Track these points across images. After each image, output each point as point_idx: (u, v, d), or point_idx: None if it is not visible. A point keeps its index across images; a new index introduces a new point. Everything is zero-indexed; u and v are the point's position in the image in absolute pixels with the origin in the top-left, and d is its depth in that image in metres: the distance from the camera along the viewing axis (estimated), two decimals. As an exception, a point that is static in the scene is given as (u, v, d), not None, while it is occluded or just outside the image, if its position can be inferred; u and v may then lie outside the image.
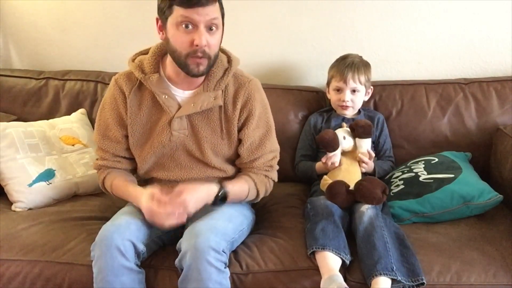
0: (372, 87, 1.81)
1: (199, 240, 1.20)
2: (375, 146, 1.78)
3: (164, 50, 1.37)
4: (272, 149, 1.46)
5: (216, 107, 1.37)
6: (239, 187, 1.39)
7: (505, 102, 1.80)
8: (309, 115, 1.86)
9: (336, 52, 1.82)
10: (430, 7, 1.93)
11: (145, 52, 1.42)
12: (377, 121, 1.79)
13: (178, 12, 1.23)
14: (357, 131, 1.56)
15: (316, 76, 2.01)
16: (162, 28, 1.30)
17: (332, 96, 1.78)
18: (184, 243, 1.23)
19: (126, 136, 1.43)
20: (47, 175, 1.67)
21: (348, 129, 1.63)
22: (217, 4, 1.27)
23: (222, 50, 1.41)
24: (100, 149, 1.46)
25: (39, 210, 1.61)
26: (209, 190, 1.32)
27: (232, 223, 1.34)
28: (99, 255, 1.23)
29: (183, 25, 1.24)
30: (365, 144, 1.58)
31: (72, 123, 1.84)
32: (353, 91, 1.73)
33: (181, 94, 1.38)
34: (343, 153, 1.58)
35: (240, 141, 1.42)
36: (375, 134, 1.78)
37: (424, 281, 1.22)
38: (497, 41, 1.93)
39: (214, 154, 1.41)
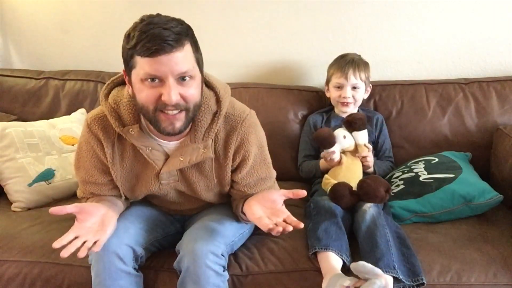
0: (371, 85, 1.81)
1: (198, 244, 1.19)
2: (375, 146, 1.78)
3: (134, 102, 1.17)
4: (269, 185, 1.33)
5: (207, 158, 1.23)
6: None
7: (505, 102, 1.80)
8: (309, 115, 1.86)
9: (336, 52, 1.82)
10: (430, 7, 1.93)
11: (120, 82, 1.23)
12: (376, 121, 1.79)
13: (140, 64, 1.04)
14: (354, 124, 1.56)
15: (316, 76, 2.01)
16: (129, 82, 1.12)
17: (332, 93, 1.78)
18: (183, 246, 1.23)
19: (112, 180, 1.29)
20: (47, 175, 1.67)
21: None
22: (188, 47, 1.06)
23: (207, 83, 1.21)
24: (84, 190, 1.33)
25: (38, 210, 1.61)
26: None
27: (233, 225, 1.33)
28: (96, 259, 1.21)
29: (148, 80, 1.05)
30: (362, 137, 1.59)
31: (72, 123, 1.84)
32: (354, 88, 1.73)
33: (166, 145, 1.22)
34: (344, 152, 1.58)
35: (234, 181, 1.30)
36: (374, 134, 1.78)
37: (425, 281, 1.22)
38: (497, 41, 1.93)
39: (208, 192, 1.32)
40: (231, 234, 1.31)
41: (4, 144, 1.66)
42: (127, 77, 1.13)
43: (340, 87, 1.75)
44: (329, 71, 1.80)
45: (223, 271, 1.23)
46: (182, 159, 1.20)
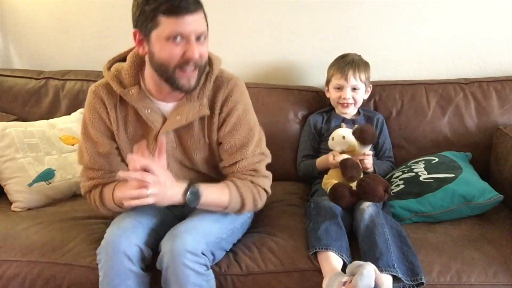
0: (371, 85, 1.81)
1: (175, 242, 1.19)
2: (375, 146, 1.78)
3: (142, 60, 1.27)
4: (256, 152, 1.33)
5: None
6: (216, 189, 1.28)
7: (505, 102, 1.80)
8: (309, 115, 1.86)
9: (336, 52, 1.82)
10: (430, 7, 1.93)
11: (121, 58, 1.32)
12: (377, 121, 1.79)
13: (164, 23, 1.13)
14: (366, 139, 1.52)
15: (316, 76, 2.01)
16: (143, 41, 1.19)
17: (332, 94, 1.78)
18: (163, 245, 1.23)
19: (117, 148, 1.34)
20: (47, 175, 1.67)
21: (348, 128, 1.63)
22: (202, 11, 1.20)
23: None
24: (89, 169, 1.34)
25: (38, 210, 1.61)
26: (180, 188, 1.22)
27: (219, 223, 1.31)
28: (106, 259, 1.21)
29: (172, 38, 1.15)
30: (367, 148, 1.58)
31: (72, 123, 1.84)
32: (354, 89, 1.73)
33: (164, 107, 1.29)
34: (343, 152, 1.58)
35: (220, 143, 1.34)
36: (375, 134, 1.78)
37: (424, 281, 1.22)
38: (497, 41, 1.93)
39: (204, 162, 1.36)
40: (216, 231, 1.29)
41: (4, 144, 1.66)
42: (138, 37, 1.19)
43: (340, 88, 1.74)
44: (329, 72, 1.80)
45: (206, 270, 1.22)
46: (179, 118, 1.27)
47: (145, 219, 1.32)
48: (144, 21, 1.15)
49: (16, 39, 2.19)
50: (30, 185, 1.63)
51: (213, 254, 1.27)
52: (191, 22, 1.14)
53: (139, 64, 1.28)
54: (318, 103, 1.91)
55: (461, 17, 1.92)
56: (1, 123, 1.71)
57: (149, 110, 1.27)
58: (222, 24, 2.02)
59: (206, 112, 1.29)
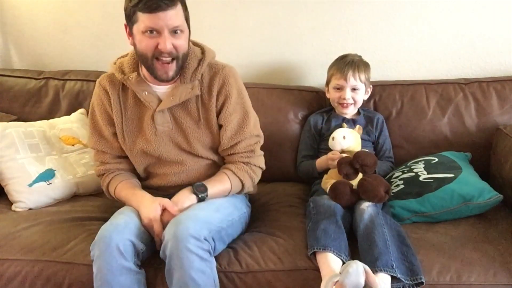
0: (371, 86, 1.81)
1: (178, 228, 1.22)
2: (375, 146, 1.78)
3: (135, 51, 1.40)
4: (253, 134, 1.46)
5: (193, 98, 1.41)
6: (218, 185, 1.42)
7: (505, 102, 1.80)
8: (309, 115, 1.86)
9: (336, 52, 1.82)
10: (430, 7, 1.93)
11: (126, 55, 1.48)
12: (377, 121, 1.79)
13: (141, 19, 1.27)
14: (364, 169, 1.46)
15: (316, 76, 2.01)
16: (130, 34, 1.35)
17: (332, 94, 1.78)
18: (166, 233, 1.25)
19: (115, 133, 1.46)
20: (47, 175, 1.67)
21: (349, 128, 1.63)
22: (179, 7, 1.30)
23: (195, 43, 1.46)
24: (98, 152, 1.50)
25: (39, 210, 1.61)
26: (190, 198, 1.38)
27: (220, 213, 1.36)
28: (98, 254, 1.23)
29: (148, 32, 1.29)
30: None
31: (72, 123, 1.84)
32: (353, 89, 1.73)
33: (160, 90, 1.42)
34: (343, 152, 1.58)
35: (220, 126, 1.44)
36: (375, 134, 1.78)
37: (423, 280, 1.22)
38: (497, 41, 1.93)
39: (201, 144, 1.44)
40: (217, 220, 1.33)
41: (4, 144, 1.65)
42: (127, 30, 1.35)
43: (339, 88, 1.75)
44: (329, 72, 1.80)
45: (209, 256, 1.24)
46: (173, 98, 1.39)
47: (136, 216, 1.35)
48: (128, 16, 1.31)
49: (16, 39, 2.19)
50: (30, 185, 1.63)
51: (214, 242, 1.29)
52: (163, 18, 1.26)
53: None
54: (318, 103, 1.91)
55: (461, 17, 1.92)
56: (2, 123, 1.71)
57: (146, 93, 1.40)
58: (222, 24, 2.02)
59: (197, 92, 1.40)
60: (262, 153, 1.51)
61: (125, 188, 1.45)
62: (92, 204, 1.65)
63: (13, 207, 1.62)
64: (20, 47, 2.20)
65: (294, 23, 1.99)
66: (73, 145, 1.78)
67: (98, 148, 1.49)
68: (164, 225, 1.31)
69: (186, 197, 1.38)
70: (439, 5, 1.92)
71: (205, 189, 1.39)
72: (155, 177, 1.50)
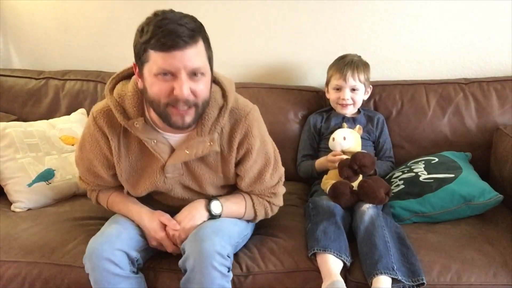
0: (371, 86, 1.81)
1: (204, 245, 1.17)
2: (375, 146, 1.78)
3: (144, 95, 1.19)
4: (275, 177, 1.35)
5: (212, 153, 1.25)
6: (234, 207, 1.34)
7: (505, 102, 1.80)
8: (309, 115, 1.86)
9: (336, 52, 1.82)
10: (430, 7, 1.92)
11: (125, 76, 1.26)
12: (377, 121, 1.79)
13: (153, 59, 1.06)
14: (362, 170, 1.47)
15: (316, 76, 2.01)
16: (140, 75, 1.14)
17: (331, 95, 1.78)
18: (188, 245, 1.21)
19: (114, 174, 1.32)
20: (47, 175, 1.67)
21: (349, 128, 1.63)
22: (201, 44, 1.08)
23: (213, 79, 1.21)
24: (84, 178, 1.38)
25: (38, 210, 1.61)
26: (202, 215, 1.30)
27: (238, 226, 1.33)
28: (92, 268, 1.21)
29: (161, 74, 1.08)
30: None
31: (72, 123, 1.84)
32: (353, 89, 1.73)
33: (172, 138, 1.24)
34: (344, 153, 1.58)
35: (237, 175, 1.32)
36: (375, 134, 1.78)
37: (424, 281, 1.22)
38: (497, 41, 1.93)
39: (213, 187, 1.33)
40: (236, 235, 1.31)
41: (4, 144, 1.65)
42: (137, 70, 1.14)
43: (339, 89, 1.74)
44: (328, 73, 1.80)
45: (228, 271, 1.22)
46: (188, 152, 1.21)
47: (131, 225, 1.32)
48: (138, 54, 1.11)
49: (16, 39, 2.19)
50: (30, 185, 1.63)
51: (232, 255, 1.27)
52: (180, 58, 1.05)
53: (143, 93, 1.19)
54: (318, 103, 1.91)
55: (461, 17, 1.92)
56: (1, 123, 1.71)
57: (155, 141, 1.21)
58: (222, 24, 2.02)
59: (217, 149, 1.23)
60: (284, 190, 1.41)
61: (117, 202, 1.37)
62: (92, 204, 1.62)
63: (12, 207, 1.62)
64: (20, 47, 2.20)
65: (294, 23, 1.99)
66: (72, 145, 1.78)
67: (84, 177, 1.36)
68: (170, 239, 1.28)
69: (197, 212, 1.28)
70: (439, 5, 1.92)
71: (221, 209, 1.29)
72: (154, 203, 1.39)
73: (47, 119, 1.86)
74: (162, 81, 1.08)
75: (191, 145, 1.21)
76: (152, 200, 1.41)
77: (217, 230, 1.23)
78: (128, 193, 1.38)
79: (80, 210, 1.59)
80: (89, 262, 1.21)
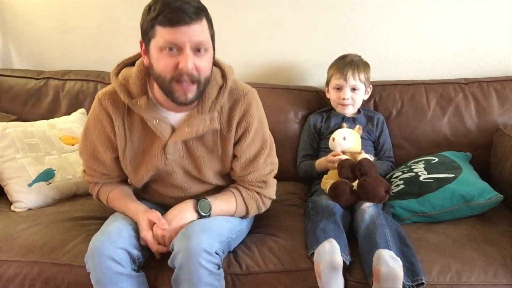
0: (371, 86, 1.81)
1: (191, 242, 1.18)
2: (375, 146, 1.78)
3: (151, 71, 1.24)
4: (267, 163, 1.37)
5: (211, 131, 1.29)
6: (224, 205, 1.34)
7: (505, 102, 1.80)
8: (309, 115, 1.86)
9: (336, 52, 1.82)
10: (430, 7, 1.93)
11: (130, 62, 1.32)
12: (377, 121, 1.79)
13: (160, 34, 1.12)
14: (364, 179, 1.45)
15: (316, 76, 2.01)
16: (146, 52, 1.19)
17: (332, 94, 1.78)
18: (176, 243, 1.22)
19: (116, 158, 1.35)
20: (47, 175, 1.67)
21: (349, 128, 1.63)
22: (204, 22, 1.15)
23: (214, 62, 1.27)
24: (87, 167, 1.40)
25: (38, 210, 1.61)
26: (191, 214, 1.31)
27: (230, 223, 1.33)
28: (94, 266, 1.21)
29: (167, 49, 1.13)
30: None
31: (72, 123, 1.84)
32: (353, 89, 1.73)
33: (173, 117, 1.28)
34: (344, 153, 1.58)
35: (234, 156, 1.35)
36: (375, 134, 1.78)
37: (424, 281, 1.22)
38: (497, 41, 1.93)
39: (212, 172, 1.36)
40: (227, 231, 1.31)
41: (4, 144, 1.65)
42: (143, 48, 1.20)
43: (339, 88, 1.75)
44: (328, 73, 1.80)
45: (218, 269, 1.22)
46: (188, 129, 1.25)
47: (130, 222, 1.32)
48: (145, 31, 1.16)
49: (16, 39, 2.19)
50: (30, 185, 1.63)
51: (223, 253, 1.28)
52: (186, 32, 1.11)
53: (146, 73, 1.25)
54: (318, 103, 1.91)
55: (461, 17, 1.92)
56: (1, 123, 1.71)
57: (157, 121, 1.26)
58: (222, 24, 1.99)
59: (216, 126, 1.27)
60: (275, 182, 1.42)
61: (117, 199, 1.39)
62: (92, 204, 1.64)
63: (12, 207, 1.62)
64: (20, 47, 2.20)
65: (294, 23, 1.99)
66: (73, 145, 1.78)
67: (88, 165, 1.38)
68: (156, 238, 1.28)
69: (187, 212, 1.30)
70: (439, 5, 1.92)
71: (209, 209, 1.30)
72: (153, 194, 1.43)
73: (47, 119, 1.86)
74: (167, 56, 1.14)
75: (192, 123, 1.25)
76: (152, 191, 1.42)
77: (205, 228, 1.24)
78: (128, 188, 1.42)
79: (80, 210, 1.59)
80: (91, 261, 1.22)
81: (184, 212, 1.30)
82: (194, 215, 1.30)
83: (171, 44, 1.12)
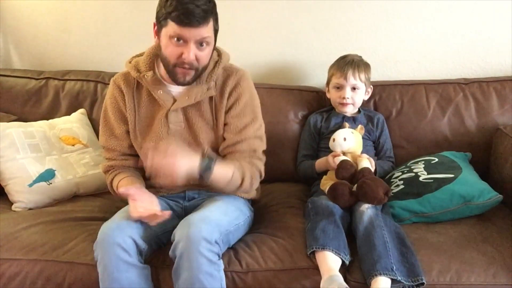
0: (371, 86, 1.81)
1: (191, 230, 1.22)
2: (375, 146, 1.78)
3: (158, 51, 1.40)
4: (257, 135, 1.46)
5: (207, 99, 1.42)
6: (223, 165, 1.35)
7: (505, 102, 1.80)
8: (309, 115, 1.86)
9: (336, 52, 1.82)
10: (430, 7, 1.93)
11: (141, 55, 1.48)
12: (377, 121, 1.79)
13: (171, 26, 1.27)
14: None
15: (316, 76, 2.01)
16: (157, 34, 1.35)
17: (332, 94, 1.78)
18: (177, 233, 1.25)
19: (127, 132, 1.47)
20: (47, 175, 1.67)
21: (350, 129, 1.63)
22: (211, 23, 1.30)
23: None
24: (107, 150, 1.50)
25: (39, 210, 1.61)
26: (196, 159, 1.30)
27: (228, 216, 1.36)
28: (102, 254, 1.24)
29: (175, 39, 1.29)
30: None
31: (72, 123, 1.85)
32: (353, 88, 1.73)
33: (175, 89, 1.42)
34: (344, 154, 1.58)
35: (225, 124, 1.44)
36: (376, 134, 1.78)
37: (424, 281, 1.22)
38: (497, 41, 1.93)
39: (208, 143, 1.44)
40: (226, 223, 1.33)
41: (4, 144, 1.66)
42: (155, 29, 1.35)
43: (339, 87, 1.75)
44: (329, 72, 1.80)
45: (218, 259, 1.24)
46: (188, 98, 1.40)
47: None
48: (160, 18, 1.30)
49: (16, 39, 2.19)
50: (30, 185, 1.64)
51: (223, 244, 1.29)
52: (193, 33, 1.27)
53: (155, 54, 1.43)
54: (318, 103, 1.91)
55: (461, 17, 1.92)
56: (2, 123, 1.71)
57: (161, 91, 1.41)
58: (222, 24, 1.99)
59: (213, 93, 1.41)
60: (264, 158, 1.49)
61: (124, 184, 1.43)
62: (93, 204, 1.65)
63: (13, 207, 1.62)
64: (20, 47, 2.20)
65: (294, 23, 1.99)
66: (73, 145, 1.78)
67: (107, 146, 1.49)
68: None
69: (189, 170, 1.27)
70: (439, 5, 1.92)
71: (210, 171, 1.30)
72: None
73: (47, 119, 1.86)
74: (174, 45, 1.30)
75: (191, 92, 1.40)
76: (156, 185, 1.42)
77: (205, 218, 1.28)
78: (137, 178, 1.46)
79: (80, 210, 1.60)
80: (100, 248, 1.24)
81: (191, 168, 1.28)
82: (197, 160, 1.29)
83: (179, 36, 1.28)
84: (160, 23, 1.31)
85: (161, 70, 1.42)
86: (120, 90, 1.46)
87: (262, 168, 1.47)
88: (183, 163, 1.25)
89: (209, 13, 1.29)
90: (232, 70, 1.46)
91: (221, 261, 1.27)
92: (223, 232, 1.30)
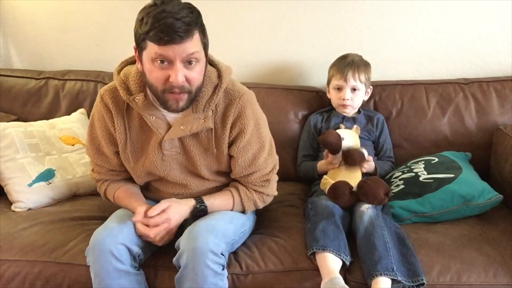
0: (371, 86, 1.81)
1: (198, 242, 1.19)
2: (375, 146, 1.78)
3: (144, 78, 1.26)
4: (269, 162, 1.38)
5: (205, 129, 1.30)
6: (221, 201, 1.36)
7: (505, 102, 1.80)
8: (309, 115, 1.86)
9: (336, 52, 1.82)
10: (430, 7, 1.93)
11: (132, 60, 1.33)
12: (377, 121, 1.79)
13: (151, 47, 1.13)
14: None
15: (316, 76, 2.01)
16: (139, 58, 1.21)
17: (332, 95, 1.78)
18: (182, 242, 1.23)
19: (117, 153, 1.38)
20: (47, 175, 1.67)
21: (348, 129, 1.63)
22: (196, 36, 1.15)
23: (210, 62, 1.31)
24: (94, 164, 1.43)
25: (39, 210, 1.61)
26: (190, 206, 1.32)
27: (234, 224, 1.34)
28: (94, 260, 1.22)
29: (158, 61, 1.14)
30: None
31: (72, 123, 1.85)
32: (353, 89, 1.73)
33: (170, 114, 1.30)
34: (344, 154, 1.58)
35: (231, 156, 1.35)
36: (375, 134, 1.78)
37: (424, 281, 1.22)
38: (497, 41, 1.93)
39: (208, 170, 1.37)
40: (232, 233, 1.31)
41: (4, 144, 1.65)
42: (137, 54, 1.21)
43: (339, 88, 1.75)
44: (329, 73, 1.80)
45: (222, 269, 1.23)
46: (183, 128, 1.27)
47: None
48: (138, 40, 1.17)
49: (16, 39, 2.19)
50: (30, 185, 1.63)
51: (227, 253, 1.28)
52: (177, 50, 1.12)
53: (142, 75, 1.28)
54: (318, 103, 1.91)
55: (461, 17, 1.92)
56: (1, 123, 1.71)
57: (153, 117, 1.28)
58: (222, 24, 2.02)
59: (210, 125, 1.28)
60: (277, 178, 1.44)
61: (122, 197, 1.40)
62: (92, 204, 1.65)
63: (12, 207, 1.62)
64: (20, 47, 2.20)
65: (294, 23, 1.99)
66: (73, 145, 1.78)
67: (94, 161, 1.41)
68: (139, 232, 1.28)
69: (183, 217, 1.31)
70: (439, 5, 1.92)
71: (205, 214, 1.33)
72: (156, 193, 1.44)
73: (47, 119, 1.86)
74: (159, 69, 1.15)
75: (186, 121, 1.27)
76: (154, 189, 1.44)
77: (212, 228, 1.25)
78: (134, 186, 1.44)
79: (80, 210, 1.59)
80: (91, 254, 1.23)
81: (181, 205, 1.31)
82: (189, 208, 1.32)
83: (162, 57, 1.14)
84: (139, 46, 1.16)
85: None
86: (108, 109, 1.31)
87: (275, 189, 1.44)
88: (176, 219, 1.28)
89: (193, 25, 1.13)
90: (235, 95, 1.30)
91: (225, 270, 1.25)
92: (229, 242, 1.28)
